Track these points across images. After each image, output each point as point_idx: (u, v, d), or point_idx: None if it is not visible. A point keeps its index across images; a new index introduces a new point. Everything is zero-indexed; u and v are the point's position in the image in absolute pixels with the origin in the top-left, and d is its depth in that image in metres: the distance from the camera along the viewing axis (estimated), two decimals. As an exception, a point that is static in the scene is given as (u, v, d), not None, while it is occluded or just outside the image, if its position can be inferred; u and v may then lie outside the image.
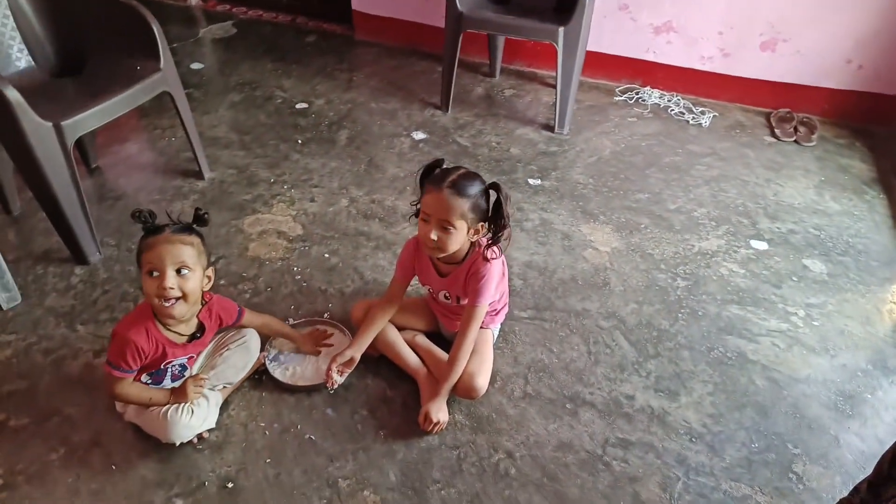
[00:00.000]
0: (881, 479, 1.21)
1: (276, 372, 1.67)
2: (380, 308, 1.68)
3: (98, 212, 2.27)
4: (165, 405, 1.45)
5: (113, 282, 1.98)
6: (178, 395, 1.47)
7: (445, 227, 1.44)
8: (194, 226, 1.40)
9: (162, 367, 1.45)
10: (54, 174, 1.81)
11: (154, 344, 1.38)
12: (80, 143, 2.39)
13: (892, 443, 1.22)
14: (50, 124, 1.77)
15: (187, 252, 1.34)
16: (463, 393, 1.59)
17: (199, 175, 2.48)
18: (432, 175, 1.48)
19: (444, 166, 1.50)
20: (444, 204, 1.42)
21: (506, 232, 1.50)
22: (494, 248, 1.53)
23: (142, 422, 1.48)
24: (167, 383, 1.51)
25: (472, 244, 1.56)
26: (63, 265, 2.04)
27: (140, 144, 2.69)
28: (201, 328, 1.48)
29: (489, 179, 1.49)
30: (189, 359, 1.52)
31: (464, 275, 1.56)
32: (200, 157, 2.44)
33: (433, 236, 1.45)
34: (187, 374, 1.55)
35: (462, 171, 1.47)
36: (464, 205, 1.43)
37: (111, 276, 2.00)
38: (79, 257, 2.03)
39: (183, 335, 1.44)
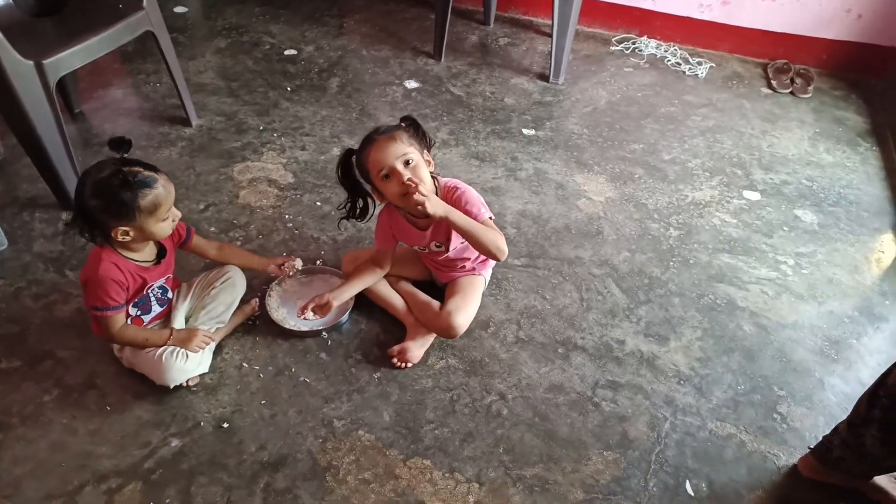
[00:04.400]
0: (860, 419, 1.25)
1: (276, 315, 1.68)
2: (368, 268, 1.67)
3: (83, 157, 2.22)
4: (162, 347, 1.45)
5: (101, 228, 1.95)
6: (182, 341, 1.48)
7: (407, 162, 1.42)
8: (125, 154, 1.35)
9: (145, 292, 1.46)
10: (37, 115, 1.76)
11: (128, 273, 1.38)
12: (62, 87, 2.33)
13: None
14: (31, 63, 1.71)
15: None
16: (442, 331, 1.61)
17: (186, 122, 2.42)
18: (358, 154, 1.48)
19: (353, 149, 1.51)
20: (389, 144, 1.42)
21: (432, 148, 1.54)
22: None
23: (137, 363, 1.49)
24: (155, 309, 1.52)
25: (435, 182, 1.53)
26: (50, 211, 2.00)
27: (124, 90, 2.62)
28: (162, 249, 1.49)
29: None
30: (167, 279, 1.53)
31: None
32: (187, 103, 2.38)
33: (407, 174, 1.40)
34: (170, 296, 1.57)
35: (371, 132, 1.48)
36: (401, 135, 1.44)
37: (99, 222, 1.97)
38: (65, 203, 1.99)
39: (148, 260, 1.45)
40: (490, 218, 1.53)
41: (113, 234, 1.32)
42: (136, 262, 1.41)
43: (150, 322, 1.54)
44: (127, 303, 1.42)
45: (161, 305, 1.54)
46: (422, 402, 1.52)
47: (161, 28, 2.13)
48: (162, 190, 1.33)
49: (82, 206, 1.29)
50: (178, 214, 1.41)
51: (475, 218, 1.49)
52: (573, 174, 2.30)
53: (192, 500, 1.30)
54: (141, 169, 1.32)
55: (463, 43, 3.10)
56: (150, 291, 1.48)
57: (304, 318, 1.62)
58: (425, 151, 1.51)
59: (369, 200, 1.58)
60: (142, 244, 1.42)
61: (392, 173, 1.42)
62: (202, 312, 1.59)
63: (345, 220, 1.62)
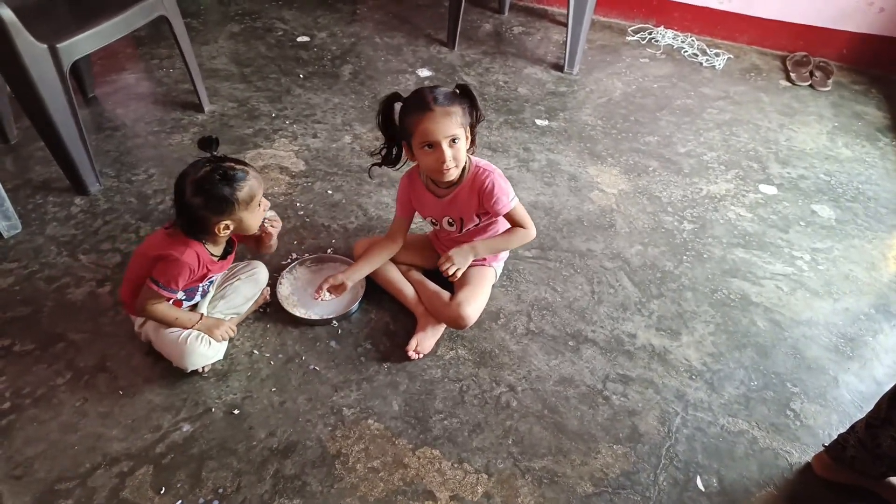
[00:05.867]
0: (879, 420, 1.23)
1: (286, 303, 1.68)
2: (382, 244, 1.67)
3: (96, 142, 2.23)
4: (188, 329, 1.47)
5: (114, 212, 1.96)
6: (209, 328, 1.50)
7: (454, 141, 1.42)
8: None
9: (202, 284, 1.51)
10: (51, 99, 1.76)
11: (203, 266, 1.43)
12: (76, 71, 2.33)
13: (891, 385, 1.23)
14: (45, 46, 1.71)
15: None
16: (452, 321, 1.60)
17: (198, 107, 2.42)
18: (404, 108, 1.45)
19: (400, 94, 1.47)
20: (444, 120, 1.39)
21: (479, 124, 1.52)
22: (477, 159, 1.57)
23: (158, 340, 1.50)
24: (197, 298, 1.55)
25: (467, 161, 1.54)
26: (63, 195, 2.01)
27: (138, 74, 2.62)
28: (231, 243, 1.52)
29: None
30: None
31: (466, 193, 1.55)
32: (200, 88, 2.38)
33: (449, 157, 1.42)
34: (211, 288, 1.60)
35: (427, 87, 1.44)
36: (458, 112, 1.42)
37: (112, 206, 1.98)
38: (78, 187, 2.00)
39: (217, 255, 1.48)
40: (515, 204, 1.55)
41: (216, 230, 1.37)
42: (212, 256, 1.45)
43: (185, 307, 1.56)
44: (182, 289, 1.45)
45: (202, 296, 1.58)
46: (431, 393, 1.51)
47: (175, 13, 2.13)
48: (255, 181, 1.38)
49: (185, 205, 1.34)
50: (268, 204, 1.47)
51: (501, 212, 1.55)
52: (586, 166, 2.28)
53: (203, 485, 1.31)
54: (233, 164, 1.37)
55: (477, 31, 3.08)
56: (206, 283, 1.52)
57: (322, 300, 1.63)
58: (467, 128, 1.48)
59: (405, 149, 1.55)
60: (224, 240, 1.46)
61: (436, 147, 1.42)
62: (221, 302, 1.60)
63: (377, 167, 1.59)
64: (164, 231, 1.43)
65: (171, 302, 1.47)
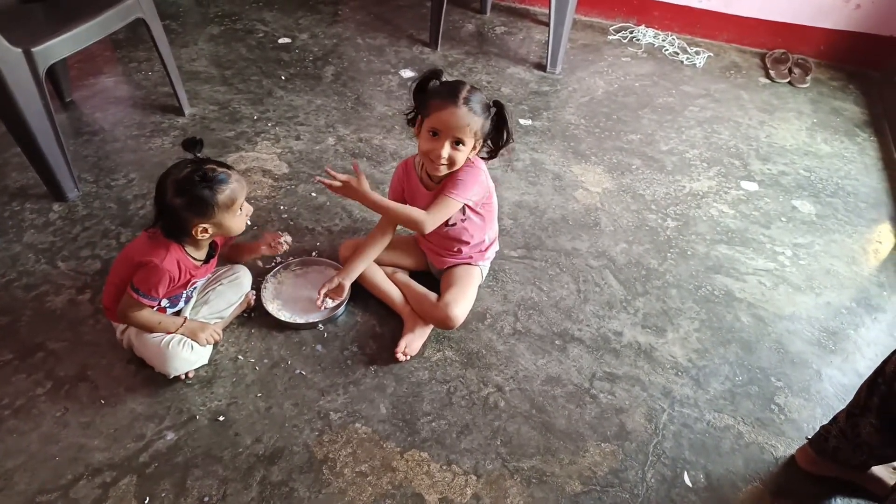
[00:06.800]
0: (859, 408, 1.25)
1: (271, 307, 1.66)
2: (372, 237, 1.66)
3: (74, 147, 2.19)
4: (170, 335, 1.45)
5: (93, 218, 1.93)
6: (193, 332, 1.48)
7: (458, 142, 1.42)
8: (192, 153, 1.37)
9: (185, 291, 1.49)
10: (27, 104, 1.73)
11: (184, 271, 1.40)
12: (52, 75, 2.29)
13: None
14: (20, 50, 1.68)
15: None
16: (440, 322, 1.59)
17: (178, 111, 2.39)
18: (437, 88, 1.44)
19: (444, 79, 1.46)
20: (460, 121, 1.39)
21: (507, 146, 1.51)
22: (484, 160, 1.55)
23: (140, 345, 1.48)
24: (181, 305, 1.54)
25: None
26: (40, 201, 1.97)
27: (116, 78, 2.58)
28: (213, 246, 1.51)
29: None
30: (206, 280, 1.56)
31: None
32: (180, 91, 2.35)
33: (445, 153, 1.42)
34: (193, 293, 1.58)
35: (468, 85, 1.43)
36: (478, 122, 1.41)
37: (91, 212, 1.95)
38: (56, 193, 1.96)
39: (199, 259, 1.46)
40: (452, 199, 1.48)
41: (193, 232, 1.35)
42: (194, 261, 1.43)
43: (169, 313, 1.53)
44: (164, 297, 1.43)
45: (186, 302, 1.56)
46: (418, 395, 1.51)
47: (152, 15, 2.10)
48: (237, 185, 1.36)
49: (166, 205, 1.33)
50: (250, 209, 1.45)
51: (444, 191, 1.49)
52: (570, 165, 2.28)
53: (188, 494, 1.29)
54: (215, 166, 1.35)
55: (459, 31, 3.07)
56: (190, 290, 1.50)
57: (324, 308, 1.63)
58: (480, 142, 1.47)
59: (417, 122, 1.52)
60: (206, 243, 1.44)
61: (439, 138, 1.42)
62: (204, 307, 1.58)
63: (409, 125, 1.55)
64: (145, 234, 1.41)
65: (154, 308, 1.45)
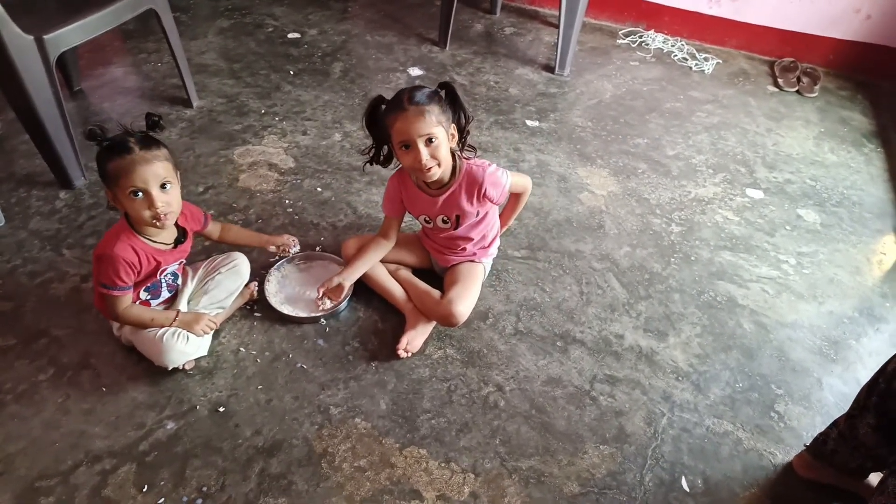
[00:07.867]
0: (858, 409, 1.25)
1: (274, 300, 1.67)
2: (375, 242, 1.66)
3: (82, 135, 2.20)
4: (165, 328, 1.45)
5: (99, 207, 1.93)
6: (187, 324, 1.47)
7: (430, 140, 1.41)
8: (153, 133, 1.34)
9: (158, 277, 1.45)
10: (37, 91, 1.74)
11: (144, 257, 1.37)
12: (62, 64, 2.30)
13: (873, 382, 1.24)
14: (31, 38, 1.69)
15: (164, 167, 1.30)
16: (443, 319, 1.60)
17: (187, 103, 2.40)
18: (382, 110, 1.45)
19: (384, 97, 1.47)
20: (417, 120, 1.38)
21: (469, 124, 1.52)
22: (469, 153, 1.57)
23: (137, 341, 1.48)
24: (164, 294, 1.51)
25: (455, 158, 1.53)
26: (47, 188, 1.98)
27: (125, 68, 2.59)
28: (183, 233, 1.47)
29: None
30: (180, 265, 1.53)
31: (461, 192, 1.54)
32: (189, 83, 2.36)
33: (425, 156, 1.41)
34: (179, 282, 1.56)
35: (409, 88, 1.43)
36: (434, 111, 1.40)
37: (97, 201, 1.95)
38: (63, 181, 1.97)
39: (167, 243, 1.43)
40: (509, 180, 1.58)
41: (112, 201, 1.32)
42: (153, 245, 1.40)
43: (157, 306, 1.52)
44: (138, 285, 1.42)
45: (170, 291, 1.54)
46: (419, 392, 1.51)
47: (164, 6, 2.11)
48: (127, 162, 1.24)
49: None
50: (161, 204, 1.29)
51: (504, 197, 1.60)
52: (576, 167, 2.28)
53: (186, 484, 1.29)
54: (132, 138, 1.28)
55: (468, 31, 3.08)
56: (162, 277, 1.47)
57: (323, 309, 1.63)
58: (453, 126, 1.47)
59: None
60: (166, 226, 1.35)
61: (412, 147, 1.41)
62: (204, 297, 1.58)
63: (368, 165, 1.58)
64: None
65: (138, 302, 1.44)
